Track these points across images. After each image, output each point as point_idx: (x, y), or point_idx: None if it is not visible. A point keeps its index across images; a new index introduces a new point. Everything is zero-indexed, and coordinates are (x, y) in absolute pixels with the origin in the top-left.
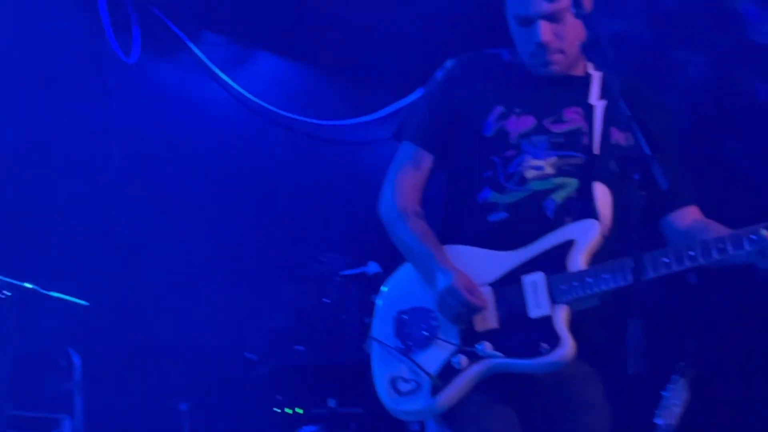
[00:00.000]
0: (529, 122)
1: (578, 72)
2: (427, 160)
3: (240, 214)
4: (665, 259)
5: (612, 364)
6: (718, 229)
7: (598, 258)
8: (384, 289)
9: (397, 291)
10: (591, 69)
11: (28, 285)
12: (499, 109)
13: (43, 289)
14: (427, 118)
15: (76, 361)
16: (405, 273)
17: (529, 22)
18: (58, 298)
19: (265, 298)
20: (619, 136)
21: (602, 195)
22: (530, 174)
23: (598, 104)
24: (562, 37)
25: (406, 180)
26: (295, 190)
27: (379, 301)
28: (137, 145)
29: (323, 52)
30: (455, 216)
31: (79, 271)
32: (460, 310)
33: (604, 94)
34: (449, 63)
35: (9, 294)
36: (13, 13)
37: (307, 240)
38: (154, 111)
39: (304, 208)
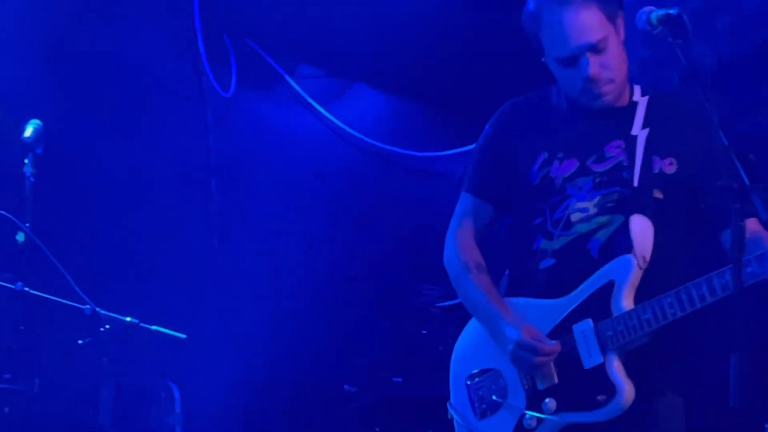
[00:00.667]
0: (572, 165)
1: (623, 101)
2: (486, 211)
3: (337, 246)
4: (722, 280)
5: (702, 394)
6: None
7: (643, 291)
8: (455, 350)
9: (466, 352)
10: (637, 94)
11: (128, 319)
12: (543, 156)
13: (143, 322)
14: (481, 169)
15: (176, 394)
16: (471, 332)
17: (573, 60)
18: (157, 332)
19: (364, 330)
20: (662, 164)
21: (640, 227)
22: (575, 217)
23: (641, 134)
24: (609, 67)
25: (467, 232)
26: (392, 222)
27: (451, 364)
28: (235, 177)
29: (418, 84)
30: (516, 265)
31: (178, 304)
32: (535, 360)
33: (648, 121)
34: (499, 111)
35: (109, 327)
36: (116, 48)
37: (405, 272)
38: (251, 144)
39: (402, 239)
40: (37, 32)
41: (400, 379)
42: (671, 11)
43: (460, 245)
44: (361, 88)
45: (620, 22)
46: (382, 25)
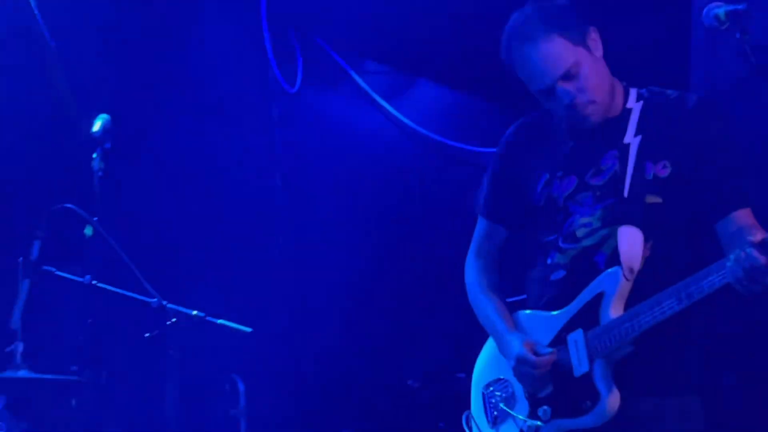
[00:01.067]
0: (572, 183)
1: (615, 110)
2: (500, 233)
3: (401, 242)
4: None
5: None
6: (752, 233)
7: (640, 298)
8: (478, 360)
9: (484, 363)
10: (632, 100)
11: (194, 312)
12: (545, 177)
13: (209, 315)
14: (492, 193)
15: (241, 387)
16: (489, 345)
17: (550, 92)
18: (223, 325)
19: (427, 325)
20: (655, 169)
21: (627, 238)
22: (581, 232)
23: (633, 141)
24: (586, 90)
25: (482, 255)
26: (457, 218)
27: (473, 373)
28: (299, 172)
29: (483, 80)
30: (531, 280)
31: (243, 297)
32: (533, 373)
33: (641, 127)
34: (506, 133)
35: (175, 320)
36: (183, 44)
37: None
38: (316, 139)
39: (466, 234)
40: (105, 28)
41: (463, 375)
42: (738, 6)
43: (476, 267)
44: (426, 83)
45: (592, 37)
46: (447, 21)
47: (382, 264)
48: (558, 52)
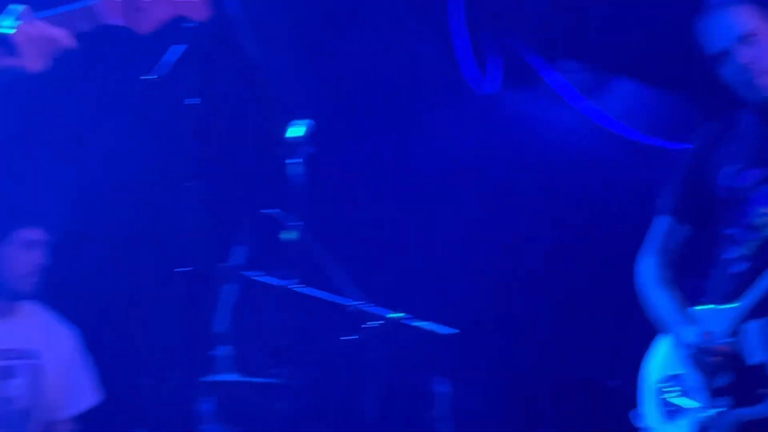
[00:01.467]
0: (755, 174)
1: None
2: (684, 231)
3: (598, 240)
4: None
5: None
6: None
7: None
8: (648, 359)
9: (656, 361)
10: None
11: (398, 314)
12: (729, 170)
13: (412, 318)
14: (679, 191)
15: (444, 389)
16: (660, 342)
17: (726, 54)
18: (425, 328)
19: (627, 324)
20: None
21: None
22: (761, 221)
23: None
24: (762, 59)
25: (662, 252)
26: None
27: (643, 373)
28: (494, 175)
29: (682, 76)
30: (708, 274)
31: (447, 298)
32: (710, 360)
33: None
34: (696, 133)
35: (377, 323)
36: (376, 49)
37: None
38: (510, 140)
39: None
40: (302, 33)
41: None
42: None
43: (655, 262)
44: (623, 80)
45: None
46: (643, 18)
47: (580, 262)
48: (743, 17)
